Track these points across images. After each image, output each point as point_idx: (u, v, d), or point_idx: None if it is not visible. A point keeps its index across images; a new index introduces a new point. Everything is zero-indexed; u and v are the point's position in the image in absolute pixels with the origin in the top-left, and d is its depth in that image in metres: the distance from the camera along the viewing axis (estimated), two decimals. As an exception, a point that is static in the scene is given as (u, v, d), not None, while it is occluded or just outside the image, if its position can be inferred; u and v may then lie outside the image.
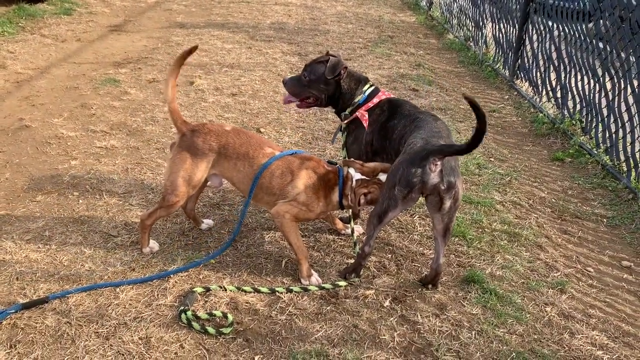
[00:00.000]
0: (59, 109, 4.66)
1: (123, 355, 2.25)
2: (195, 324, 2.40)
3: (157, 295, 2.60)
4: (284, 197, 2.73)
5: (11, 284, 2.62)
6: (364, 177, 2.74)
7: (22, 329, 2.35)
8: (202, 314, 2.46)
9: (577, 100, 4.94)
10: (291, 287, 2.69)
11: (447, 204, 2.51)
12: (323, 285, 2.72)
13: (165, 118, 4.58)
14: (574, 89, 5.01)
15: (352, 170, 2.77)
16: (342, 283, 2.74)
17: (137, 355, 2.25)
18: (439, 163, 2.45)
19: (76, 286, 2.61)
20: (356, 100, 3.05)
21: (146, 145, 4.10)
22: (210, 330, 2.38)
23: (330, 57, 3.08)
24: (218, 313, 2.47)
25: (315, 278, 2.76)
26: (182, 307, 2.47)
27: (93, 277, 2.69)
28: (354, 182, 2.74)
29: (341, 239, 3.16)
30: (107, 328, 2.38)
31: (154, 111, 4.72)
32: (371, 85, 3.09)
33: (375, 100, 3.02)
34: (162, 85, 5.34)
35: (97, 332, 2.36)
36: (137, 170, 3.75)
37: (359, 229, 3.18)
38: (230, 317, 2.44)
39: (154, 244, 2.93)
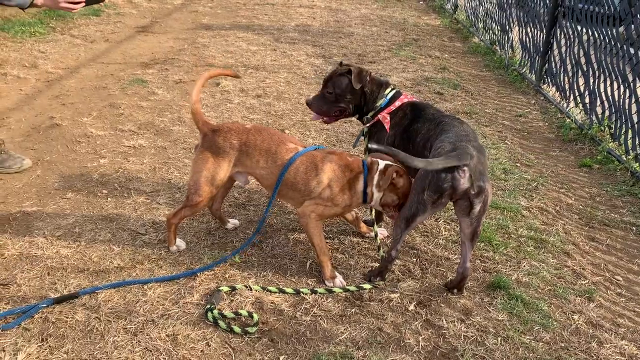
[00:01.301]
0: (88, 108, 4.75)
1: (151, 351, 2.28)
2: (221, 323, 2.42)
3: (184, 293, 2.63)
4: (309, 192, 2.73)
5: (43, 278, 2.68)
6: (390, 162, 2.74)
7: (54, 323, 2.40)
8: (228, 312, 2.49)
9: (606, 105, 4.86)
10: (316, 289, 2.70)
11: (477, 208, 2.50)
12: (347, 287, 2.72)
13: (191, 118, 4.63)
14: (602, 94, 4.93)
15: (379, 160, 2.76)
16: (367, 286, 2.74)
17: (165, 352, 2.28)
18: (466, 168, 2.44)
19: (105, 282, 2.66)
20: (378, 104, 3.05)
21: (173, 145, 4.15)
22: (236, 329, 2.40)
23: (349, 67, 3.04)
24: (244, 312, 2.49)
25: (339, 280, 2.76)
26: (208, 306, 2.50)
27: (121, 274, 2.74)
28: (381, 166, 2.72)
29: (365, 241, 3.16)
30: (135, 324, 2.42)
31: (181, 112, 4.78)
32: (393, 89, 3.09)
33: (397, 103, 3.01)
34: (189, 86, 5.41)
35: (126, 328, 2.40)
36: (164, 169, 3.80)
37: (383, 231, 3.18)
38: (255, 316, 2.46)
39: (180, 243, 2.96)
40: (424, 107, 2.98)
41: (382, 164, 2.74)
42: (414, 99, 3.07)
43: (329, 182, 2.72)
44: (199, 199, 2.78)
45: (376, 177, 2.72)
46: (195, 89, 2.80)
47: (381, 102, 3.04)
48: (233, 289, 2.66)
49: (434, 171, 2.46)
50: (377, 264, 2.92)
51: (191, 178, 2.81)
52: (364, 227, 3.17)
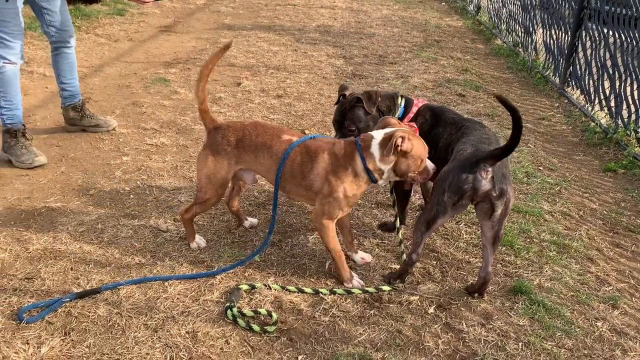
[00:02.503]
0: (111, 106, 4.81)
1: (170, 347, 2.30)
2: (240, 321, 2.43)
3: (204, 290, 2.65)
4: (310, 186, 2.64)
5: (66, 273, 2.72)
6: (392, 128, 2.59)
7: (76, 317, 2.43)
8: (247, 311, 2.50)
9: (633, 109, 4.77)
10: (335, 289, 2.70)
11: (499, 211, 2.47)
12: (367, 288, 2.71)
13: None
14: (629, 97, 4.84)
15: (373, 132, 2.62)
16: (386, 288, 2.73)
17: (184, 348, 2.30)
18: (490, 169, 2.42)
19: (127, 278, 2.69)
20: (396, 115, 3.01)
21: (195, 144, 4.19)
22: (255, 327, 2.41)
23: (357, 96, 2.94)
24: (263, 311, 2.50)
25: (356, 281, 2.75)
26: (228, 304, 2.51)
27: (142, 271, 2.77)
28: (379, 137, 2.55)
29: (385, 242, 3.15)
30: (155, 321, 2.44)
31: (202, 110, 4.81)
32: (402, 96, 3.05)
33: (414, 109, 2.98)
34: (209, 86, 5.45)
35: (146, 324, 2.42)
36: (186, 167, 3.83)
37: (365, 257, 2.99)
38: (274, 315, 2.46)
39: (200, 240, 2.99)
40: (442, 111, 2.95)
41: (379, 134, 2.57)
42: (427, 102, 3.04)
43: (325, 173, 2.59)
44: (205, 196, 2.80)
45: (376, 150, 2.54)
46: (200, 88, 2.79)
47: (398, 112, 3.01)
48: (252, 287, 2.67)
49: (454, 173, 2.44)
50: (397, 266, 2.90)
51: (197, 176, 2.86)
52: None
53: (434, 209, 2.53)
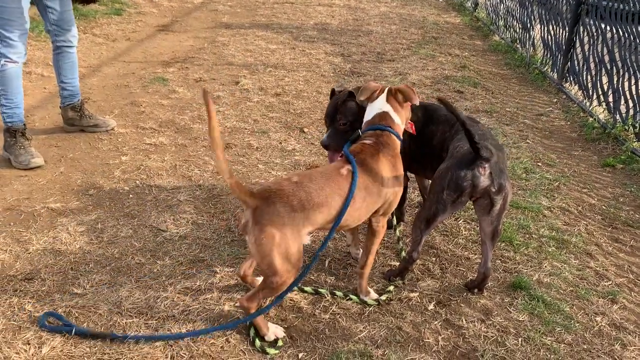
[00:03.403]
0: (110, 106, 4.81)
1: (171, 346, 2.31)
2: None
3: (204, 289, 2.65)
4: (385, 193, 2.48)
5: (66, 273, 2.72)
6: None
7: (77, 317, 2.44)
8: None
9: (631, 104, 4.78)
10: (335, 292, 2.67)
11: (497, 206, 2.48)
12: (380, 298, 2.65)
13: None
14: (627, 92, 4.85)
15: (376, 103, 2.61)
16: (391, 288, 2.72)
17: (185, 347, 2.30)
18: (487, 165, 2.42)
19: (127, 278, 2.69)
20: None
21: (193, 143, 4.19)
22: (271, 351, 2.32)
23: (349, 91, 2.91)
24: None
25: (373, 294, 2.68)
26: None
27: (142, 270, 2.77)
28: (389, 105, 2.60)
29: (385, 240, 3.15)
30: (156, 320, 2.44)
31: (201, 110, 4.81)
32: None
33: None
34: (208, 84, 5.45)
35: (147, 324, 2.42)
36: (185, 167, 3.83)
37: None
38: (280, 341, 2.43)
39: (277, 329, 2.43)
40: (434, 108, 2.91)
41: (380, 103, 2.60)
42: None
43: (392, 168, 2.48)
44: (282, 279, 2.25)
45: (395, 115, 2.58)
46: (220, 157, 2.07)
47: None
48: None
49: (453, 170, 2.45)
50: (396, 263, 2.91)
51: (262, 261, 2.22)
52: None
53: (433, 207, 2.54)
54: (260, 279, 2.53)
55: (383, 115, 2.58)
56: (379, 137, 2.53)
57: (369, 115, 2.63)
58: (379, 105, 2.60)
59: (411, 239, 2.73)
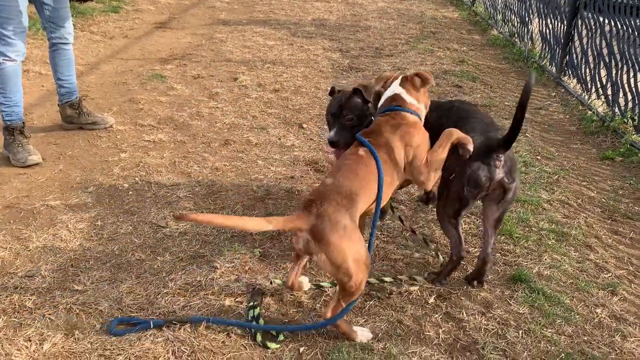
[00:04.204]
0: (108, 104, 4.80)
1: (172, 342, 2.30)
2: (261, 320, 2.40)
3: (205, 285, 2.65)
4: (412, 158, 2.51)
5: (66, 270, 2.72)
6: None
7: (77, 314, 2.44)
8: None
9: (630, 97, 4.78)
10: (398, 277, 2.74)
11: (509, 195, 2.56)
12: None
13: (210, 113, 4.67)
14: (625, 85, 4.84)
15: (392, 88, 2.65)
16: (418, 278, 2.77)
17: (186, 342, 2.30)
18: (502, 157, 2.48)
19: (127, 274, 2.70)
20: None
21: (192, 140, 4.18)
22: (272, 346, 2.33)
23: (354, 88, 2.93)
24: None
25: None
26: (251, 303, 2.49)
27: (143, 266, 2.77)
28: (404, 89, 2.63)
29: (384, 234, 3.15)
30: (157, 315, 2.45)
31: (199, 106, 4.81)
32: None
33: None
34: (207, 81, 5.44)
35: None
36: (184, 163, 3.83)
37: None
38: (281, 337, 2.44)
39: (364, 332, 2.40)
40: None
41: (395, 87, 2.64)
42: None
43: (403, 142, 2.49)
44: (358, 280, 2.23)
45: (408, 97, 2.61)
46: (260, 227, 2.20)
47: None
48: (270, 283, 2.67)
49: (470, 168, 2.47)
50: (398, 257, 2.91)
51: (338, 272, 2.19)
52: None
53: (456, 204, 2.57)
54: (305, 280, 2.63)
55: (394, 97, 2.63)
56: (387, 117, 2.58)
57: (381, 101, 2.68)
58: (391, 90, 2.65)
59: (450, 241, 2.72)
